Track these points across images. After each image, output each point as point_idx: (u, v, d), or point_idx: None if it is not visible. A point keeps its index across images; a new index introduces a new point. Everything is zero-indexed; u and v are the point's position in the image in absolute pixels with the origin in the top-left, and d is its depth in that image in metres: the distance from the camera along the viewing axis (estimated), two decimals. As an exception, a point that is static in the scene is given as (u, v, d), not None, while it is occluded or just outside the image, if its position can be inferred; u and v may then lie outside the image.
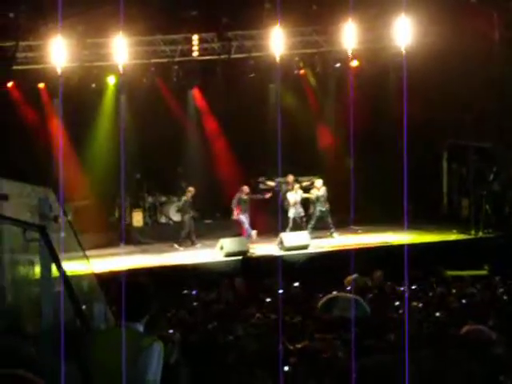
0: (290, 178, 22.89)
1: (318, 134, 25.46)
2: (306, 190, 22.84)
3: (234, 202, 21.94)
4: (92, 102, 23.35)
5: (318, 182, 22.63)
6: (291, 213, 22.22)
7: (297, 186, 22.56)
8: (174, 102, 24.28)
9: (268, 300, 14.07)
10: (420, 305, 13.55)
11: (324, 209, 22.39)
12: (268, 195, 22.78)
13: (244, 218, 21.93)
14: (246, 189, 22.16)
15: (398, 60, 22.55)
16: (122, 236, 22.47)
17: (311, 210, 22.79)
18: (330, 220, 22.42)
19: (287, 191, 22.56)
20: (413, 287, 14.92)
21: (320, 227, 22.49)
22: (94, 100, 23.44)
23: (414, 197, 21.42)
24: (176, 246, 21.76)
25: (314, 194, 22.53)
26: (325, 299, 12.99)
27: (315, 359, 7.64)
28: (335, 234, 22.34)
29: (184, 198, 22.26)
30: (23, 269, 8.66)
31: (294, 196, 22.34)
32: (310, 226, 22.25)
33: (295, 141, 23.72)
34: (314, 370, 7.41)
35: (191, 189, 22.19)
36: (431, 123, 22.94)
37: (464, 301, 13.13)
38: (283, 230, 21.41)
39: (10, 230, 8.35)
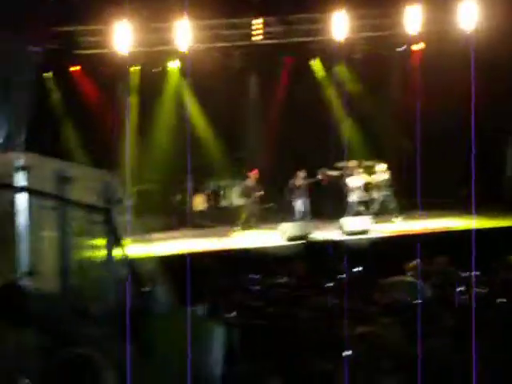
0: (353, 162, 22.78)
1: (382, 119, 25.23)
2: (369, 174, 22.70)
3: (288, 187, 21.97)
4: (155, 86, 23.49)
5: (381, 167, 22.49)
6: (351, 198, 22.14)
7: (359, 170, 22.44)
8: (237, 86, 24.30)
9: (329, 285, 14.03)
10: (484, 291, 13.40)
11: (387, 193, 22.25)
12: (325, 181, 22.67)
13: (299, 204, 21.89)
14: (301, 174, 22.08)
15: (463, 43, 22.23)
16: (183, 219, 22.62)
17: (374, 195, 22.66)
18: (393, 205, 22.27)
19: (348, 176, 22.46)
20: (477, 273, 14.74)
21: (383, 212, 22.35)
22: (157, 84, 23.58)
23: (479, 182, 21.15)
24: (235, 229, 21.83)
25: (376, 178, 22.39)
26: (385, 283, 12.96)
27: (375, 344, 7.61)
28: (399, 219, 22.18)
29: (245, 182, 22.31)
30: (87, 251, 8.78)
31: (355, 181, 22.23)
32: (372, 210, 22.14)
33: (359, 126, 23.65)
34: (373, 355, 7.38)
35: (254, 173, 22.20)
36: (497, 107, 22.59)
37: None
38: (344, 215, 21.37)
39: (74, 212, 8.45)
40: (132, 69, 22.57)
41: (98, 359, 4.52)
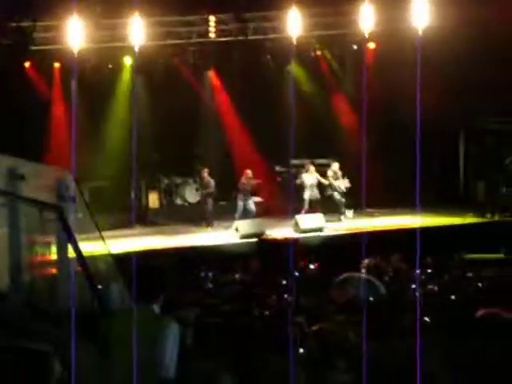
0: (306, 161, 22.88)
1: (335, 117, 25.36)
2: (323, 173, 22.78)
3: (238, 185, 21.98)
4: (108, 83, 23.35)
5: (334, 166, 22.59)
6: (306, 195, 22.20)
7: (312, 168, 22.50)
8: (190, 83, 24.25)
9: (284, 282, 14.07)
10: (435, 288, 13.53)
11: (340, 192, 22.36)
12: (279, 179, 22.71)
13: (244, 203, 21.89)
14: (248, 172, 22.08)
15: (415, 42, 22.41)
16: (137, 217, 22.53)
17: (327, 193, 22.74)
18: (343, 203, 22.40)
19: (302, 174, 22.51)
20: (429, 270, 14.89)
21: (335, 210, 22.45)
22: (110, 81, 23.44)
23: (431, 180, 21.40)
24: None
25: (329, 177, 22.48)
26: (339, 278, 13.01)
27: (328, 341, 7.63)
28: (349, 215, 22.33)
29: (201, 180, 22.34)
30: (40, 249, 8.68)
31: (310, 178, 22.30)
32: (323, 209, 22.20)
33: (312, 123, 23.72)
34: (327, 353, 7.40)
35: (206, 170, 22.24)
36: (449, 106, 22.81)
37: (480, 284, 13.10)
38: (297, 212, 21.39)
39: (26, 210, 8.36)
40: (85, 65, 22.38)
41: (51, 355, 4.49)
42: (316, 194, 22.35)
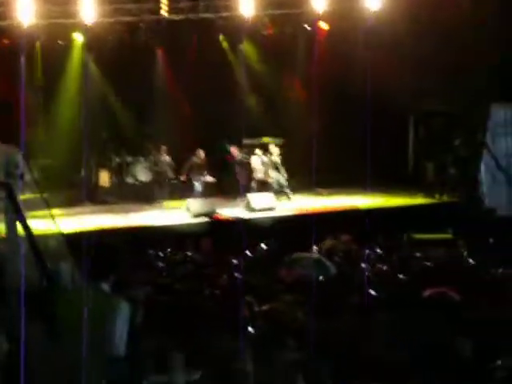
0: (255, 140, 23.01)
1: (286, 97, 25.40)
2: (268, 152, 22.83)
3: (186, 165, 21.95)
4: (58, 60, 23.10)
5: (272, 146, 22.55)
6: (256, 175, 22.27)
7: (258, 149, 22.44)
8: (141, 61, 24.10)
9: (235, 262, 14.10)
10: (384, 267, 13.67)
11: (282, 171, 22.41)
12: (230, 159, 22.64)
13: (196, 182, 21.90)
14: (200, 152, 22.06)
15: (367, 22, 22.51)
16: (87, 195, 22.37)
17: (272, 174, 22.71)
18: (286, 183, 22.46)
19: (250, 154, 22.52)
20: (378, 250, 15.05)
21: (280, 191, 22.49)
22: (61, 58, 23.19)
23: (380, 161, 21.52)
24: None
25: (272, 156, 22.46)
26: (290, 259, 13.09)
27: (278, 321, 7.70)
28: (291, 197, 22.37)
29: (155, 158, 22.36)
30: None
31: (256, 159, 22.34)
32: (270, 189, 22.23)
33: (263, 103, 23.78)
34: (276, 333, 7.47)
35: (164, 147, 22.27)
36: (398, 88, 22.96)
37: (428, 263, 13.27)
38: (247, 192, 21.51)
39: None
40: (34, 41, 22.11)
41: None
42: (263, 175, 22.32)
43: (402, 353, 6.60)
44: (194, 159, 21.92)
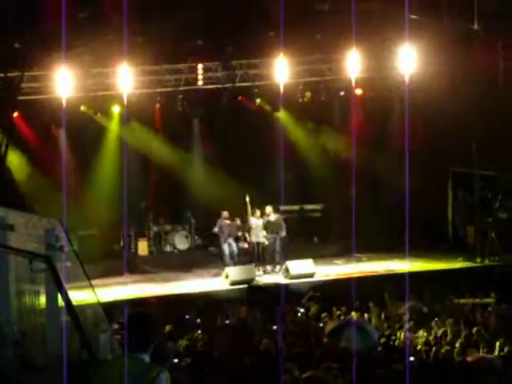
0: (295, 207, 23.11)
1: (323, 162, 25.44)
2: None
3: (215, 228, 21.96)
4: (97, 132, 23.41)
5: (268, 209, 22.16)
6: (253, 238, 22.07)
7: (259, 213, 22.05)
8: (180, 131, 24.35)
9: (274, 328, 14.05)
10: (424, 334, 13.56)
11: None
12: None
13: (225, 245, 21.81)
14: (225, 214, 22.05)
15: (401, 89, 22.65)
16: (127, 265, 22.43)
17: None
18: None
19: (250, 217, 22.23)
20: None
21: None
22: (99, 129, 23.49)
23: (420, 225, 21.43)
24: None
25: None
26: (332, 327, 12.99)
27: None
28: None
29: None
30: (29, 299, 8.66)
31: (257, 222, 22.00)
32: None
33: (299, 169, 23.87)
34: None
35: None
36: (436, 151, 23.01)
37: (472, 328, 13.13)
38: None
39: (16, 260, 8.36)
40: (74, 114, 22.43)
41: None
42: (261, 237, 21.96)
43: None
44: (220, 222, 21.94)
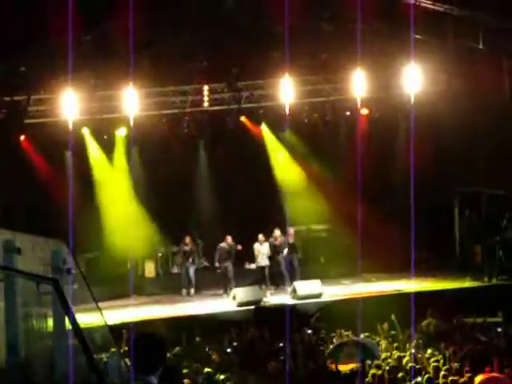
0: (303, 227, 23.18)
1: (329, 182, 25.40)
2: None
3: (217, 253, 22.00)
4: (103, 154, 23.41)
5: (276, 232, 22.43)
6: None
7: (262, 238, 22.33)
8: (185, 153, 24.33)
9: (281, 346, 14.02)
10: (434, 353, 13.49)
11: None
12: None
13: (229, 268, 21.87)
14: (228, 238, 22.09)
15: (407, 108, 22.66)
16: (134, 287, 22.38)
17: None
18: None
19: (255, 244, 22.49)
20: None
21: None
22: (105, 151, 23.50)
23: (427, 244, 21.40)
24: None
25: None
26: (334, 346, 12.97)
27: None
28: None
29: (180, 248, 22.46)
30: (36, 322, 8.64)
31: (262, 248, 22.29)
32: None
33: (307, 189, 23.86)
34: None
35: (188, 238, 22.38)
36: (442, 171, 23.00)
37: (479, 347, 13.10)
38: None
39: (23, 283, 8.35)
40: (79, 136, 22.48)
41: None
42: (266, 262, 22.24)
43: None
44: (223, 245, 21.98)
